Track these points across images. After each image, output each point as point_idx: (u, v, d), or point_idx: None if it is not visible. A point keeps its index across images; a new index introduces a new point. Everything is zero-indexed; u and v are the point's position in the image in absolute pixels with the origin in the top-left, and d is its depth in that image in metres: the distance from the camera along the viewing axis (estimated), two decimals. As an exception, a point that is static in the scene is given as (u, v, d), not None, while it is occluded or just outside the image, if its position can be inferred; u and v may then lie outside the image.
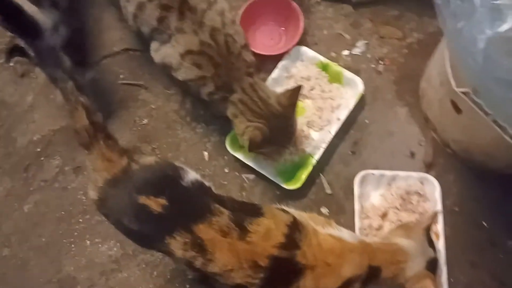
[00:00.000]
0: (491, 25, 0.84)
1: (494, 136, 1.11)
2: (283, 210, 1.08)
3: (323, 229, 1.08)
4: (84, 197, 1.45)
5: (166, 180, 1.04)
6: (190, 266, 0.99)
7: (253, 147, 1.26)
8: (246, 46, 1.32)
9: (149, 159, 1.10)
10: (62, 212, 1.44)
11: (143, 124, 1.52)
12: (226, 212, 1.01)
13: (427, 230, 1.18)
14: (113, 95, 1.55)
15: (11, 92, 1.58)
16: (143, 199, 0.99)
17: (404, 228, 1.25)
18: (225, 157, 1.47)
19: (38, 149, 1.52)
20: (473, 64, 0.93)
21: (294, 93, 1.24)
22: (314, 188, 1.43)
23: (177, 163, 1.09)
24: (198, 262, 0.98)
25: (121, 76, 1.57)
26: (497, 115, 1.05)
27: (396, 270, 1.10)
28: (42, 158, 1.51)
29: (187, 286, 1.34)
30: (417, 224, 1.21)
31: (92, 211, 1.42)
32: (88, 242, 1.41)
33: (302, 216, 1.10)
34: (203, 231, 0.98)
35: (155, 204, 0.98)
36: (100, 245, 1.40)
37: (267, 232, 1.00)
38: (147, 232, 1.01)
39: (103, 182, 1.05)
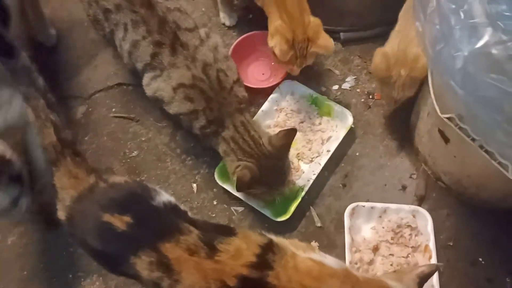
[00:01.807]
0: (468, 42, 0.85)
1: (483, 164, 1.10)
2: (260, 234, 1.05)
3: (303, 253, 1.04)
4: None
5: (133, 199, 1.03)
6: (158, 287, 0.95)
7: (242, 187, 1.26)
8: (238, 81, 1.35)
9: (118, 178, 1.09)
10: (45, 245, 1.41)
11: (133, 156, 1.52)
12: (195, 231, 0.98)
13: (421, 279, 1.07)
14: (104, 127, 1.56)
15: None
16: (107, 217, 0.97)
17: (398, 272, 1.19)
18: (214, 189, 1.45)
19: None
20: (454, 85, 0.94)
21: (288, 135, 1.25)
22: (304, 221, 1.39)
23: (150, 185, 1.08)
24: (165, 284, 0.94)
25: (113, 109, 1.59)
26: (483, 139, 1.03)
27: None
28: (29, 190, 1.49)
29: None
30: (412, 269, 1.16)
31: (75, 244, 1.38)
32: (70, 275, 1.36)
33: (281, 240, 1.06)
34: (169, 249, 0.94)
35: (119, 221, 0.96)
36: (82, 279, 1.36)
37: (237, 251, 0.96)
38: (111, 252, 0.98)
39: (69, 201, 1.03)
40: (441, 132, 1.23)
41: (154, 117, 1.56)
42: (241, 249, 0.97)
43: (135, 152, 1.52)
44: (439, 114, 1.12)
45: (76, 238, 1.07)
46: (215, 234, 0.99)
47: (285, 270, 0.96)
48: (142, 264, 0.95)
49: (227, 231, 1.02)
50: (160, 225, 0.99)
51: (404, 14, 1.35)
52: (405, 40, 1.29)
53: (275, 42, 1.35)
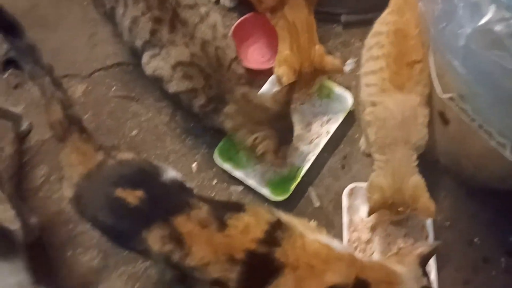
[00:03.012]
0: (470, 20, 0.85)
1: (482, 145, 1.11)
2: (269, 211, 1.06)
3: (312, 234, 1.05)
4: (67, 208, 1.41)
5: (143, 175, 1.03)
6: (168, 262, 0.96)
7: (272, 157, 1.27)
8: (236, 59, 1.35)
9: (126, 155, 1.09)
10: (45, 222, 1.41)
11: (132, 135, 1.52)
12: (205, 206, 0.99)
13: (422, 259, 1.10)
14: (104, 107, 1.56)
15: (2, 102, 1.58)
16: (119, 192, 0.97)
17: (398, 255, 1.21)
18: (214, 169, 1.45)
19: (25, 159, 1.50)
20: (456, 64, 0.95)
21: (290, 90, 1.27)
22: (303, 201, 1.41)
23: (156, 163, 1.08)
24: (176, 256, 0.95)
25: (113, 89, 1.59)
26: (483, 119, 1.05)
27: None
28: (28, 168, 1.49)
29: (169, 299, 1.30)
30: (412, 250, 1.17)
31: (75, 221, 1.39)
32: (69, 252, 1.37)
33: (290, 219, 1.07)
34: (181, 223, 0.96)
35: (132, 196, 0.97)
36: (82, 255, 1.36)
37: (246, 227, 0.97)
38: (123, 227, 0.99)
39: (78, 178, 1.04)
40: (441, 114, 1.24)
41: (154, 97, 1.56)
42: (250, 225, 0.99)
43: (135, 131, 1.52)
44: (440, 94, 1.13)
45: (86, 215, 1.07)
46: (224, 210, 1.00)
47: (293, 249, 0.98)
48: (154, 238, 0.96)
49: (237, 207, 1.04)
50: (171, 200, 1.01)
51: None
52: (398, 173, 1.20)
53: (282, 72, 1.35)
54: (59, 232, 1.40)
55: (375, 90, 1.25)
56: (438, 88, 1.14)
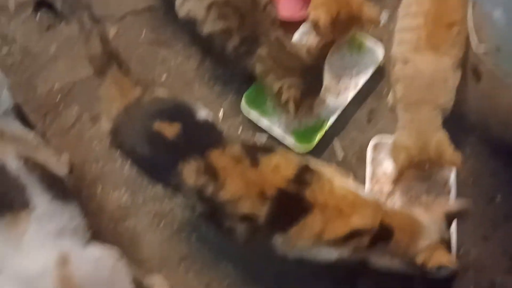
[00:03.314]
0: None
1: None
2: (298, 156, 1.09)
3: (339, 179, 1.08)
4: (98, 147, 1.47)
5: (179, 111, 1.06)
6: (200, 196, 1.00)
7: (295, 106, 1.27)
8: (271, 2, 1.33)
9: (163, 92, 1.11)
10: (76, 160, 1.46)
11: (161, 81, 1.53)
12: (238, 144, 1.02)
13: (449, 216, 1.11)
14: (133, 51, 1.57)
15: (36, 42, 1.61)
16: (157, 125, 1.00)
17: (426, 207, 1.22)
18: (240, 117, 1.47)
19: (57, 99, 1.54)
20: (496, 14, 0.93)
21: (327, 46, 1.28)
22: (327, 153, 1.42)
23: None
24: (209, 190, 0.99)
25: (143, 33, 1.59)
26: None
27: (409, 238, 1.06)
28: (60, 107, 1.53)
29: (193, 238, 1.35)
30: (439, 205, 1.18)
31: (105, 159, 1.44)
32: (99, 189, 1.42)
33: (318, 164, 1.10)
34: (216, 158, 0.99)
35: (169, 130, 1.00)
36: (110, 192, 1.42)
37: (277, 166, 1.00)
38: (160, 159, 1.02)
39: (117, 112, 1.06)
40: (473, 70, 1.22)
41: (183, 43, 1.56)
42: (281, 165, 1.02)
43: (164, 76, 1.54)
44: (475, 49, 1.11)
45: (123, 148, 1.11)
46: (255, 150, 1.03)
47: (321, 192, 1.01)
48: (189, 171, 1.00)
49: (267, 149, 1.06)
50: (206, 135, 1.04)
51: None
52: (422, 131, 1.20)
53: (318, 15, 1.31)
54: (89, 170, 1.45)
55: (408, 47, 1.23)
56: (474, 42, 1.12)
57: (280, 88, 1.27)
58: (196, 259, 1.33)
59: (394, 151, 1.22)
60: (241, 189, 0.98)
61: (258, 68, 1.30)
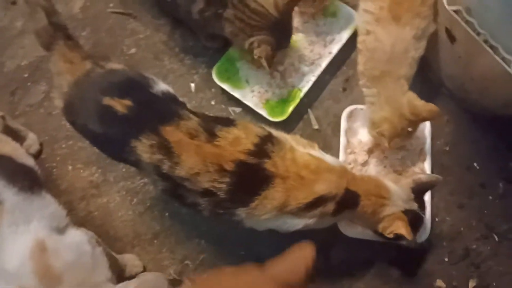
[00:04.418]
0: None
1: (487, 64, 1.06)
2: (260, 126, 1.05)
3: (303, 148, 1.05)
4: (67, 124, 1.42)
5: (132, 84, 1.02)
6: (158, 172, 0.97)
7: (270, 62, 1.24)
8: None
9: (116, 65, 1.07)
10: (46, 137, 1.43)
11: (131, 53, 1.49)
12: (195, 118, 0.99)
13: (417, 185, 1.08)
14: (101, 23, 1.52)
15: (1, 17, 1.56)
16: (107, 100, 0.96)
17: (396, 175, 1.20)
18: (212, 89, 1.43)
19: (26, 75, 1.50)
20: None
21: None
22: (302, 123, 1.39)
23: (147, 74, 1.06)
24: (165, 166, 0.96)
25: (111, 5, 1.54)
26: (490, 33, 0.99)
27: (376, 204, 1.05)
28: (29, 83, 1.49)
29: (166, 214, 1.33)
30: (409, 175, 1.16)
31: (75, 137, 1.40)
32: (70, 167, 1.40)
33: (281, 134, 1.07)
34: (170, 133, 0.95)
35: (120, 105, 0.96)
36: (81, 171, 1.39)
37: (235, 139, 0.97)
38: (112, 135, 0.99)
39: (67, 87, 1.03)
40: (447, 31, 1.17)
41: (152, 14, 1.51)
42: (240, 137, 0.98)
43: (133, 49, 1.49)
44: (446, 6, 1.06)
45: (76, 125, 1.07)
46: (214, 123, 1.00)
47: (283, 161, 0.98)
48: (143, 147, 0.97)
49: (227, 122, 1.03)
50: (160, 109, 1.00)
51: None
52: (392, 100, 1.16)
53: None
54: (59, 148, 1.42)
55: (371, 18, 1.19)
56: (444, 1, 1.07)
57: (251, 46, 1.23)
58: (170, 235, 1.32)
59: (374, 127, 1.19)
60: (197, 164, 0.95)
61: (227, 30, 1.26)
